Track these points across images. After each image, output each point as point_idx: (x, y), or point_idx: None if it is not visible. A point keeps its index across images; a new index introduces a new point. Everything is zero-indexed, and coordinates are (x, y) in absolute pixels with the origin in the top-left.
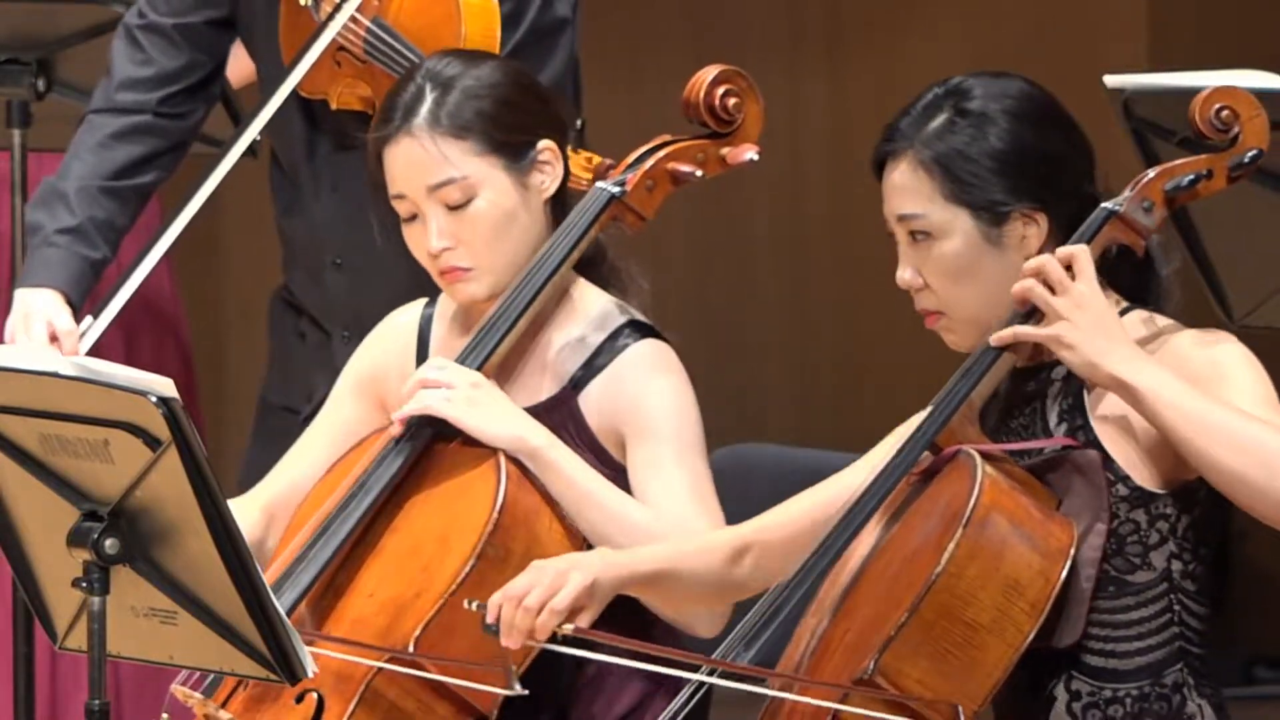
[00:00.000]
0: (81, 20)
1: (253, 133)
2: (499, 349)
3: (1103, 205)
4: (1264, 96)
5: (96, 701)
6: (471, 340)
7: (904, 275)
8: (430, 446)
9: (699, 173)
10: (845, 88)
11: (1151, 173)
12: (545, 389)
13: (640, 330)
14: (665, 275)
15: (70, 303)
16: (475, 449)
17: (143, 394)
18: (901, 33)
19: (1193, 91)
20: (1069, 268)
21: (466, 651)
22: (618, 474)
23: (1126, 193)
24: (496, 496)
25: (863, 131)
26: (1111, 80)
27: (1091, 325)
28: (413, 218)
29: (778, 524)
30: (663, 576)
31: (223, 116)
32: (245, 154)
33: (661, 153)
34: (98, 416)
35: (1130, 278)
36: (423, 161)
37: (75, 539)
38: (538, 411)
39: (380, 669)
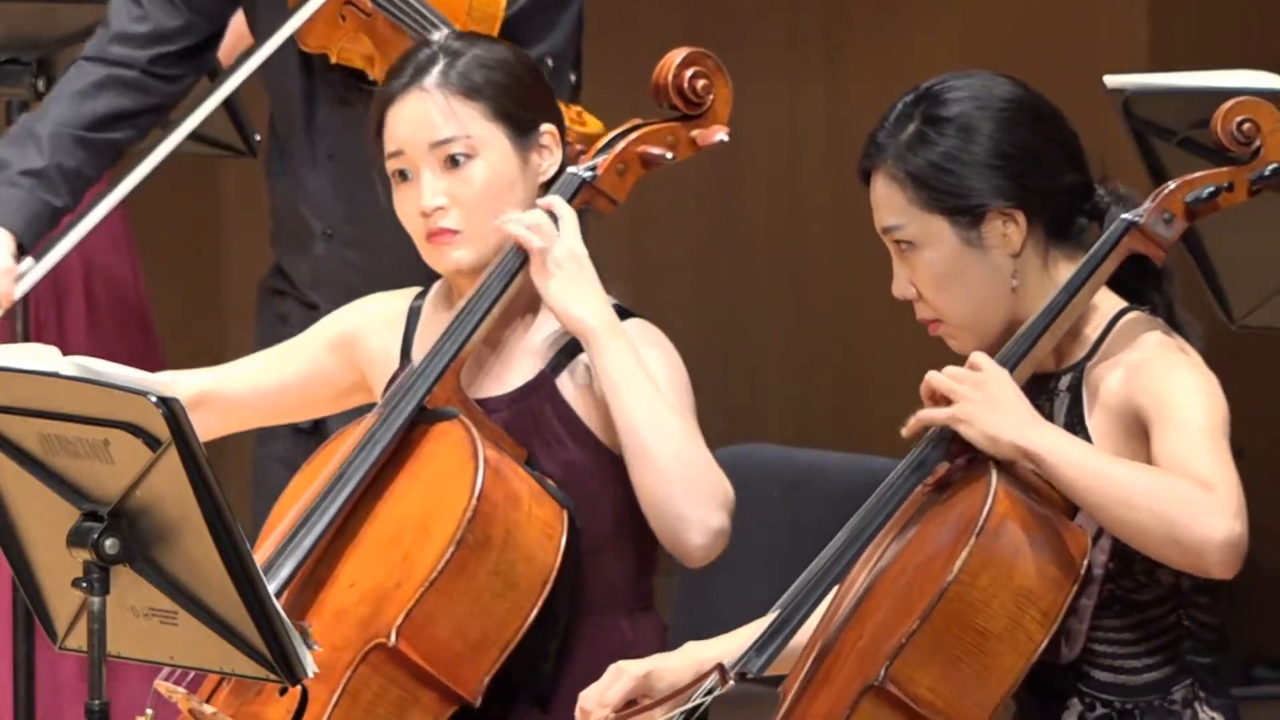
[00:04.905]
0: (81, 20)
1: (251, 68)
2: (479, 329)
3: (1123, 217)
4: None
5: (96, 702)
6: (452, 320)
7: (898, 287)
8: (408, 434)
9: (669, 155)
10: (845, 88)
11: (1172, 184)
12: (524, 373)
13: (623, 313)
14: (665, 275)
15: (21, 245)
16: (454, 436)
17: (143, 394)
18: (901, 33)
19: (1193, 92)
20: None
21: (449, 637)
22: (596, 455)
23: (1147, 204)
24: (475, 484)
25: (862, 131)
26: (1111, 80)
27: (987, 401)
28: (405, 180)
29: None
30: None
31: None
32: (245, 153)
33: (632, 136)
34: (98, 416)
35: (1133, 280)
36: (429, 117)
37: (75, 539)
38: (514, 396)
39: (364, 658)
